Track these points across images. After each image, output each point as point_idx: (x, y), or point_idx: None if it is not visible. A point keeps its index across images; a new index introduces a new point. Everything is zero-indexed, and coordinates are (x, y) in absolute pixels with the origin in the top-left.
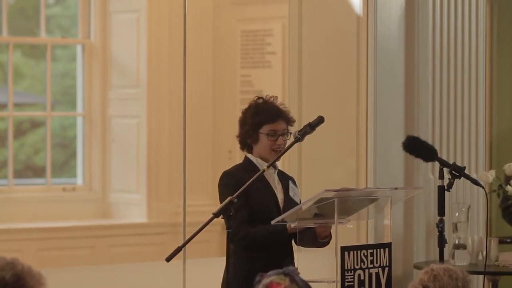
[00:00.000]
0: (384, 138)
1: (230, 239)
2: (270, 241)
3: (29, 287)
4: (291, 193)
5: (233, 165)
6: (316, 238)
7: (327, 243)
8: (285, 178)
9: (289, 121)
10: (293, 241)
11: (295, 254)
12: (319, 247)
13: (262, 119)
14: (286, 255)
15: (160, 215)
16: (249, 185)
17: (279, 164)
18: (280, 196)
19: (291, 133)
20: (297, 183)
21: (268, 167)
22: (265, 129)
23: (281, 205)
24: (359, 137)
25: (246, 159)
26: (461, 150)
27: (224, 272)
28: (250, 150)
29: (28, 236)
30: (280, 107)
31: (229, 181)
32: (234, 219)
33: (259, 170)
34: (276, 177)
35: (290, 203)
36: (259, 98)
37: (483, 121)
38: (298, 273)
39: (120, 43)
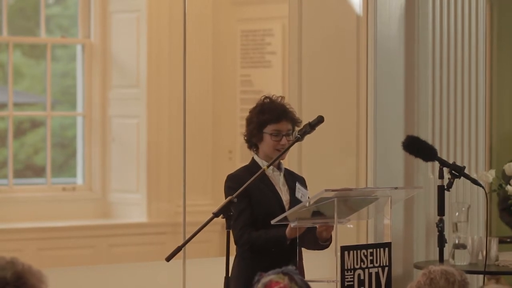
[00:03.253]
0: (384, 137)
1: (234, 242)
2: (271, 247)
3: (30, 285)
4: (297, 194)
5: (232, 164)
6: (316, 240)
7: (327, 246)
8: (293, 179)
9: (295, 121)
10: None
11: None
12: (319, 250)
13: (266, 119)
14: (291, 256)
15: (160, 215)
16: (250, 186)
17: (286, 164)
18: (285, 197)
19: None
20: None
21: (268, 166)
22: (269, 128)
23: (286, 206)
24: (359, 137)
25: (252, 160)
26: (461, 149)
27: (226, 272)
28: (256, 150)
29: (28, 236)
30: (286, 107)
31: (232, 185)
32: (237, 221)
33: (263, 172)
34: (281, 179)
35: (296, 204)
36: (266, 97)
37: (483, 121)
38: (297, 273)
39: (120, 43)
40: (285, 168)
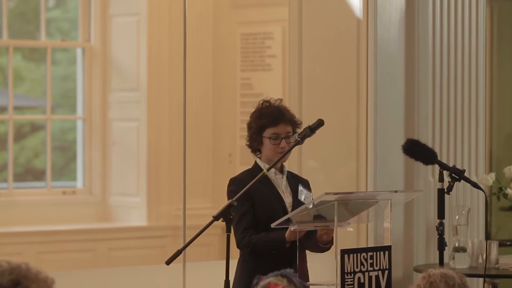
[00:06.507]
0: (384, 141)
1: (236, 245)
2: (270, 249)
3: None
4: (300, 197)
5: (232, 168)
6: (317, 243)
7: (328, 249)
8: (296, 182)
9: (294, 123)
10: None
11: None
12: (320, 252)
13: (264, 123)
14: (292, 260)
15: (160, 218)
16: (253, 189)
17: (286, 168)
18: (288, 200)
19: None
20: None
21: (268, 169)
22: (267, 132)
23: (289, 209)
24: (359, 140)
25: (255, 164)
26: (461, 153)
27: (226, 275)
28: (260, 154)
29: (28, 239)
30: (283, 109)
31: (235, 188)
32: (239, 224)
33: (266, 175)
34: (284, 182)
35: (299, 207)
36: (264, 101)
37: (483, 124)
38: (296, 275)
39: (120, 46)
40: (288, 171)
